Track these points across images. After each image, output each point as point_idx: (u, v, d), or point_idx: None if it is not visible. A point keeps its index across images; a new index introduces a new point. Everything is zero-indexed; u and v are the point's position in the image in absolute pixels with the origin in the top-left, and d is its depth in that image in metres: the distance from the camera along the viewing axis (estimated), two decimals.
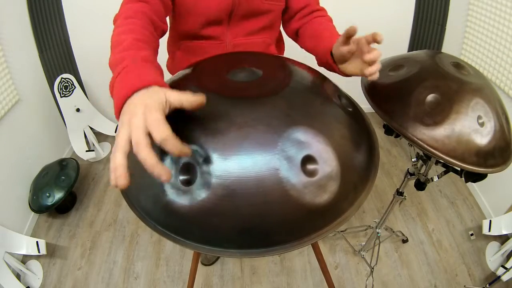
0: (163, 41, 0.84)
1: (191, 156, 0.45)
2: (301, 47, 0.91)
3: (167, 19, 0.80)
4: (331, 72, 0.75)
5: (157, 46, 0.63)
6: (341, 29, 0.91)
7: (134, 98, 0.43)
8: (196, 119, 0.49)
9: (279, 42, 1.07)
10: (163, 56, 0.81)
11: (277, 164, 0.43)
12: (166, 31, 0.74)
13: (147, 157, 0.37)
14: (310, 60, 0.81)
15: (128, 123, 0.40)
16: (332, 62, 0.71)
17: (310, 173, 0.44)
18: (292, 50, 1.05)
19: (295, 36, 0.94)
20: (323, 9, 0.92)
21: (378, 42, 0.56)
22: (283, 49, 1.12)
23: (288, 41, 1.06)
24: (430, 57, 0.91)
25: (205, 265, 1.65)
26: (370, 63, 0.60)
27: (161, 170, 0.38)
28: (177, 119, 0.51)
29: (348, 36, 0.60)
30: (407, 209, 1.87)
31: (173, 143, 0.38)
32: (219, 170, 0.43)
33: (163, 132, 0.38)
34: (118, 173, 0.37)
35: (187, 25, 0.85)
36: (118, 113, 0.44)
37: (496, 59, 1.64)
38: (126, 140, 0.39)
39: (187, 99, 0.44)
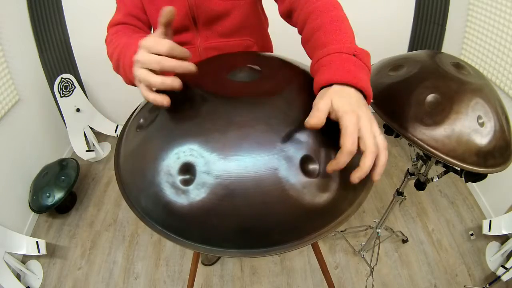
0: None
1: (191, 156, 0.45)
2: None
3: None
4: None
5: None
6: None
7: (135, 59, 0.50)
8: (196, 119, 0.49)
9: (265, 44, 0.99)
10: None
11: (276, 164, 0.43)
12: None
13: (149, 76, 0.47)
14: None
15: (136, 61, 0.48)
16: None
17: (309, 173, 0.44)
18: (289, 48, 1.03)
19: (288, 20, 0.77)
20: None
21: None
22: (272, 50, 1.04)
23: (285, 37, 1.02)
24: (430, 57, 0.90)
25: (206, 265, 1.65)
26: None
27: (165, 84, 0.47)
28: (177, 118, 0.51)
29: None
30: (407, 209, 1.87)
31: (179, 50, 0.48)
32: (218, 170, 0.43)
33: (165, 44, 0.47)
34: (156, 101, 0.48)
35: None
36: (131, 72, 0.52)
37: (496, 59, 1.64)
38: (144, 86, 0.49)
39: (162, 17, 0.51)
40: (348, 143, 0.41)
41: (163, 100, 0.48)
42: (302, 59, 0.69)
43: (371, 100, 0.49)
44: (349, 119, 0.42)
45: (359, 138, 0.42)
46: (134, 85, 0.56)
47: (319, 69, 0.49)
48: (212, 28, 0.84)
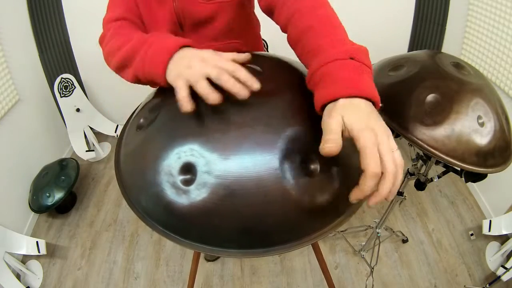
0: None
1: (191, 156, 0.45)
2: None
3: None
4: None
5: None
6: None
7: (180, 56, 0.51)
8: (196, 119, 0.49)
9: (255, 46, 0.97)
10: None
11: (276, 164, 0.43)
12: None
13: (206, 90, 0.45)
14: None
15: (187, 72, 0.47)
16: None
17: (310, 173, 0.44)
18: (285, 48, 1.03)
19: (270, 16, 0.71)
20: None
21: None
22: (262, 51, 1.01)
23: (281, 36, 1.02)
24: (430, 57, 0.91)
25: (209, 261, 1.65)
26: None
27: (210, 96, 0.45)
28: (178, 118, 0.51)
29: None
30: (407, 209, 1.87)
31: (244, 72, 0.47)
32: (219, 170, 0.43)
33: (233, 65, 0.47)
34: (184, 102, 0.46)
35: None
36: (163, 74, 0.51)
37: (496, 59, 1.64)
38: (186, 85, 0.47)
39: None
40: (371, 165, 0.38)
41: (216, 97, 0.46)
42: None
43: (380, 105, 0.44)
44: (368, 138, 0.39)
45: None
46: (141, 80, 0.57)
47: (318, 83, 0.46)
48: (199, 32, 0.81)
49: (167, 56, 0.51)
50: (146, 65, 0.54)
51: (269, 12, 0.69)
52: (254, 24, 0.95)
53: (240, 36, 0.87)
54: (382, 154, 0.39)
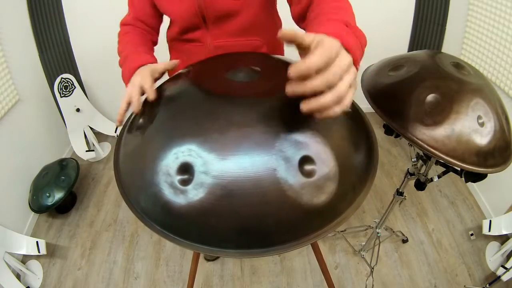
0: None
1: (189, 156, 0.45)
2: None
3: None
4: None
5: (151, 45, 0.90)
6: None
7: (136, 72, 0.69)
8: (195, 119, 0.49)
9: (276, 46, 0.98)
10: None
11: (274, 164, 0.43)
12: (157, 42, 0.95)
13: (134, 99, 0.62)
14: None
15: (131, 84, 0.66)
16: None
17: (308, 174, 0.44)
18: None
19: (300, 24, 0.76)
20: None
21: None
22: (282, 52, 1.03)
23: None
24: (430, 57, 0.90)
25: (208, 260, 1.65)
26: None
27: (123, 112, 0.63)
28: (176, 118, 0.51)
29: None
30: (407, 209, 1.86)
31: (150, 91, 0.61)
32: (216, 170, 0.43)
33: (147, 83, 0.63)
34: (119, 112, 0.62)
35: (172, 31, 0.91)
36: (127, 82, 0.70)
37: (496, 59, 1.64)
38: (128, 94, 0.63)
39: (166, 64, 0.72)
40: (316, 55, 0.36)
41: (120, 117, 0.63)
42: None
43: (358, 66, 0.45)
44: (327, 45, 0.38)
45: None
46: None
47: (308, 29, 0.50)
48: (221, 27, 0.84)
49: (129, 77, 0.69)
50: (126, 75, 0.72)
51: (301, 19, 0.73)
52: (277, 24, 0.97)
53: (262, 34, 0.89)
54: (331, 66, 0.38)
